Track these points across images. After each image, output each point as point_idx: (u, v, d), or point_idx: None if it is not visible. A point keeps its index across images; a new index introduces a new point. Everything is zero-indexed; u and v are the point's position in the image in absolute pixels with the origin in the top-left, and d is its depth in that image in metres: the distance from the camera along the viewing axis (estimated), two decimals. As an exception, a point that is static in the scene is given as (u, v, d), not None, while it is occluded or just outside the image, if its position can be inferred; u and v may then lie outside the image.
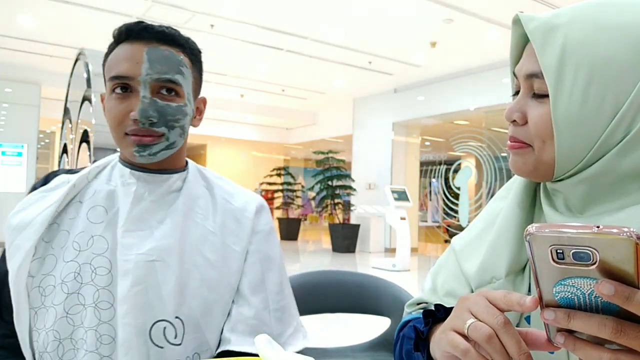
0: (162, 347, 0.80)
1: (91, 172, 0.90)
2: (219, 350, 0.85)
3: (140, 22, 0.86)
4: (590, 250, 0.38)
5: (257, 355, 0.87)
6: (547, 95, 0.57)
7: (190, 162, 0.98)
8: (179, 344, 0.81)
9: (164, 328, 0.80)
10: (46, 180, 0.91)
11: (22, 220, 0.83)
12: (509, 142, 0.62)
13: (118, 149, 0.92)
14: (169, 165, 0.91)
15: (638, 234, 0.36)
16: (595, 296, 0.39)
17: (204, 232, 0.89)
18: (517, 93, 0.63)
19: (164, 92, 0.84)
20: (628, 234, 0.36)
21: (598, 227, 0.37)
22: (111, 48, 0.87)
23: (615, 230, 0.36)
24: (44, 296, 0.81)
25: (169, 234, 0.85)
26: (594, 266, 0.38)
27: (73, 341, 0.79)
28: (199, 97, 0.98)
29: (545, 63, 0.56)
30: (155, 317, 0.80)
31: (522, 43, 0.63)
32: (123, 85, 0.83)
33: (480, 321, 0.48)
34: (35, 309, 0.80)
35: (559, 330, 0.43)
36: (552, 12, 0.59)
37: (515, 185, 0.70)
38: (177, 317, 0.81)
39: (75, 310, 0.80)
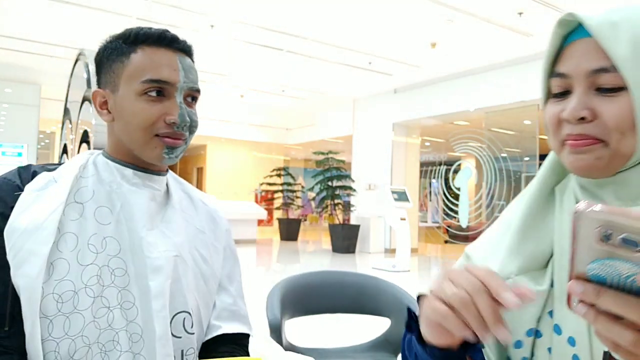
0: (180, 337, 0.85)
1: (80, 170, 0.89)
2: (210, 337, 0.93)
3: (167, 31, 0.90)
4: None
5: (246, 333, 0.96)
6: (619, 89, 0.59)
7: None
8: (194, 333, 0.87)
9: (184, 319, 0.86)
10: (20, 175, 0.86)
11: (29, 223, 0.78)
12: (573, 141, 0.62)
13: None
14: (162, 167, 0.94)
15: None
16: (632, 280, 0.39)
17: (194, 230, 0.96)
18: (558, 95, 0.64)
19: (189, 99, 0.90)
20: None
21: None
22: (127, 50, 0.87)
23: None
24: (62, 303, 0.77)
25: (178, 231, 0.90)
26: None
27: (100, 345, 0.79)
28: None
29: (620, 56, 0.58)
30: (176, 309, 0.85)
31: (559, 45, 0.65)
32: (159, 89, 0.86)
33: (457, 287, 0.51)
34: (50, 317, 0.76)
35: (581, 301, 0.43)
36: (600, 12, 0.61)
37: (529, 190, 0.72)
38: (191, 309, 0.87)
39: (100, 313, 0.80)
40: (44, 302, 0.76)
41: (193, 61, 0.93)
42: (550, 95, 0.66)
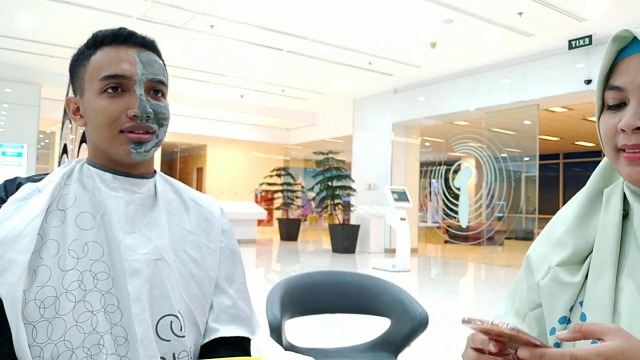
0: (168, 341, 0.84)
1: (62, 178, 0.90)
2: (208, 340, 0.93)
3: (123, 29, 0.91)
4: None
5: (246, 337, 0.95)
6: None
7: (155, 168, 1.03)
8: (184, 336, 0.86)
9: (171, 322, 0.85)
10: (5, 188, 0.88)
11: (9, 232, 0.80)
12: (630, 153, 0.66)
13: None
14: (145, 170, 0.95)
15: (515, 327, 0.54)
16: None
17: (183, 232, 0.95)
18: (613, 107, 0.69)
19: (152, 92, 0.90)
20: (510, 327, 0.54)
21: (492, 323, 0.55)
22: (89, 53, 0.90)
23: (503, 326, 0.54)
24: (44, 308, 0.79)
25: (161, 234, 0.90)
26: (508, 341, 0.56)
27: (85, 349, 0.79)
28: None
29: None
30: (161, 312, 0.85)
31: (613, 59, 0.69)
32: (116, 85, 0.87)
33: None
34: (34, 323, 0.78)
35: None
36: None
37: (582, 192, 0.79)
38: (179, 312, 0.87)
39: (84, 317, 0.80)
40: (26, 308, 0.77)
41: (159, 55, 0.94)
42: (605, 107, 0.70)
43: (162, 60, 0.95)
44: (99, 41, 0.90)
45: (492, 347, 0.60)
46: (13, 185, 0.89)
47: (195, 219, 0.98)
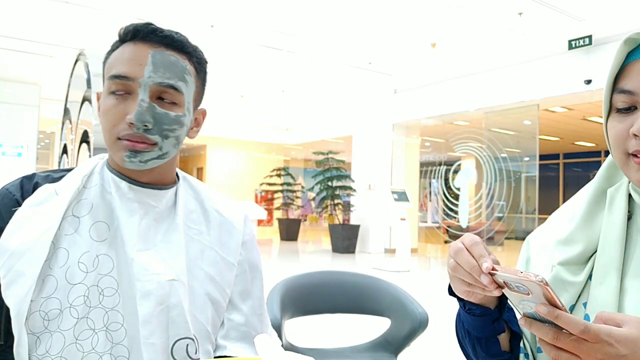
0: None
1: (82, 181, 0.85)
2: (215, 355, 0.88)
3: (149, 24, 0.83)
4: (524, 286, 0.55)
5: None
6: None
7: (179, 173, 0.96)
8: (198, 359, 0.83)
9: (187, 345, 0.81)
10: (22, 187, 0.83)
11: (20, 243, 0.76)
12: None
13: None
14: (165, 179, 0.89)
15: (544, 279, 0.53)
16: (535, 312, 0.56)
17: (201, 247, 0.89)
18: (623, 110, 0.67)
19: (164, 99, 0.82)
20: (539, 279, 0.53)
21: (522, 272, 0.55)
22: (115, 47, 0.84)
23: (531, 277, 0.53)
24: (48, 320, 0.75)
25: (178, 253, 0.85)
26: (530, 295, 0.56)
27: None
28: (199, 108, 0.97)
29: None
30: (178, 335, 0.81)
31: (622, 62, 0.68)
32: (122, 86, 0.80)
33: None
34: (37, 334, 0.75)
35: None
36: None
37: (587, 191, 0.78)
38: (194, 334, 0.83)
39: (84, 335, 0.76)
40: (31, 319, 0.75)
41: (192, 57, 0.86)
42: (614, 110, 0.69)
43: (196, 62, 0.88)
44: (122, 36, 0.83)
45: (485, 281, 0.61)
46: (30, 184, 0.84)
47: (215, 232, 0.92)
